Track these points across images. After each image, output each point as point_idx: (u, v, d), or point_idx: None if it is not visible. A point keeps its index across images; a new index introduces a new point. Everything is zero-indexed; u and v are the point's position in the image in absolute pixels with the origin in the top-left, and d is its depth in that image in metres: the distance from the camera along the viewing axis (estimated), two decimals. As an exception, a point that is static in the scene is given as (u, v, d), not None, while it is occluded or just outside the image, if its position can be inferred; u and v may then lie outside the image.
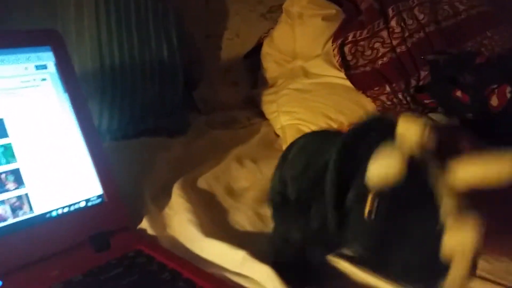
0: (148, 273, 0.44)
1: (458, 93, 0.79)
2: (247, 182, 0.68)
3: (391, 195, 0.29)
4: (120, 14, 0.88)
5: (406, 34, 0.89)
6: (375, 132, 0.32)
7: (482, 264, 0.44)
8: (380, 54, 0.89)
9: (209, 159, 0.76)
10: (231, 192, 0.65)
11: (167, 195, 0.62)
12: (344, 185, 0.33)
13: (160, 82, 0.93)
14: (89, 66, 0.86)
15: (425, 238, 0.28)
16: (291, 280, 0.41)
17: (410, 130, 0.28)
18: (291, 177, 0.44)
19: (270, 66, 1.06)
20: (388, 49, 0.89)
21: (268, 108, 0.96)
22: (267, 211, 0.58)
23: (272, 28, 1.08)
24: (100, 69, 0.87)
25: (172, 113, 0.93)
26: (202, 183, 0.67)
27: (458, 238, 0.26)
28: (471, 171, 0.27)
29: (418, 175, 0.28)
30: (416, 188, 0.28)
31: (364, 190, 0.30)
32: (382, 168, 0.29)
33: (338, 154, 0.32)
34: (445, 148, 0.29)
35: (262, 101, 1.00)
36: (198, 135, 0.91)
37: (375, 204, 0.29)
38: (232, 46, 1.17)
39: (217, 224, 0.55)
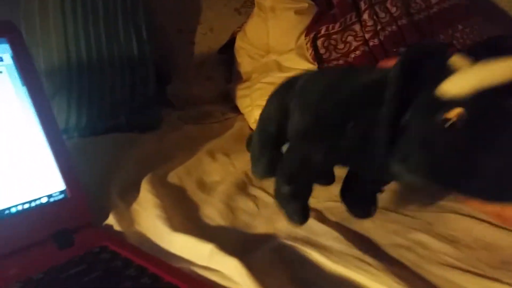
0: (112, 269, 0.42)
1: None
2: (219, 175, 0.66)
3: (475, 108, 0.28)
4: (86, 7, 0.86)
5: (379, 27, 0.89)
6: (434, 57, 0.32)
7: (452, 251, 0.44)
8: (352, 47, 0.89)
9: (181, 154, 0.75)
10: (202, 186, 0.64)
11: (136, 191, 0.60)
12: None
13: (130, 77, 0.90)
14: (55, 61, 0.84)
15: None
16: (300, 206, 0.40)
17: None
18: (304, 104, 0.42)
19: (244, 61, 1.05)
20: (360, 42, 0.89)
21: (242, 102, 0.95)
22: (239, 204, 0.57)
23: (245, 22, 1.07)
24: (66, 64, 0.84)
25: (144, 108, 0.91)
26: (172, 178, 0.65)
27: None
28: None
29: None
30: (499, 103, 0.29)
31: (433, 105, 0.30)
32: (470, 79, 0.29)
33: (400, 69, 0.32)
34: None
35: (236, 95, 0.99)
36: (170, 130, 0.90)
37: (460, 116, 0.28)
38: (206, 41, 1.15)
39: (186, 218, 0.53)
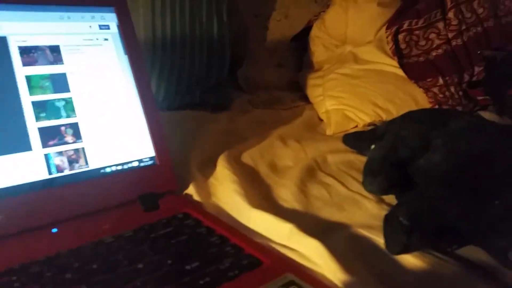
0: (197, 235, 0.44)
1: (516, 92, 0.76)
2: (291, 160, 0.67)
3: None
4: (174, -15, 0.89)
5: (463, 27, 0.86)
6: None
7: None
8: (434, 45, 0.87)
9: (252, 135, 0.77)
10: (275, 169, 0.65)
11: (212, 165, 0.63)
12: None
13: (208, 57, 0.93)
14: (141, 35, 0.87)
15: None
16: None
17: None
18: (454, 154, 0.44)
19: (318, 50, 1.04)
20: (443, 41, 0.86)
21: (313, 91, 0.95)
22: (311, 190, 0.58)
23: (323, 12, 1.07)
24: (152, 39, 0.88)
25: (217, 88, 0.94)
26: (246, 158, 0.67)
27: None
28: None
29: None
30: None
31: None
32: None
33: None
34: None
35: (307, 84, 0.99)
36: (241, 112, 0.92)
37: None
38: (280, 28, 1.16)
39: (262, 197, 0.55)
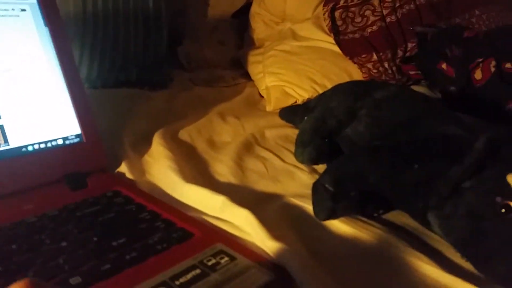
0: (126, 212, 0.43)
1: (444, 66, 0.79)
2: (229, 136, 0.67)
3: None
4: (106, -43, 0.84)
5: (397, 4, 0.89)
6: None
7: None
8: (370, 22, 0.88)
9: (191, 113, 0.75)
10: (212, 145, 0.64)
11: (147, 143, 0.61)
12: None
13: (144, 33, 0.90)
14: (70, 11, 0.82)
15: None
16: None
17: None
18: (377, 123, 0.45)
19: (258, 27, 1.04)
20: (378, 17, 0.89)
21: (254, 68, 0.95)
22: (248, 164, 0.58)
23: (263, -12, 1.06)
24: (82, 14, 0.83)
25: (155, 66, 0.91)
26: (183, 135, 0.66)
27: None
28: None
29: None
30: None
31: (499, 187, 0.32)
32: None
33: (484, 147, 0.34)
34: None
35: (248, 61, 0.99)
36: (181, 90, 0.90)
37: None
38: (220, 5, 1.14)
39: (198, 172, 0.54)
